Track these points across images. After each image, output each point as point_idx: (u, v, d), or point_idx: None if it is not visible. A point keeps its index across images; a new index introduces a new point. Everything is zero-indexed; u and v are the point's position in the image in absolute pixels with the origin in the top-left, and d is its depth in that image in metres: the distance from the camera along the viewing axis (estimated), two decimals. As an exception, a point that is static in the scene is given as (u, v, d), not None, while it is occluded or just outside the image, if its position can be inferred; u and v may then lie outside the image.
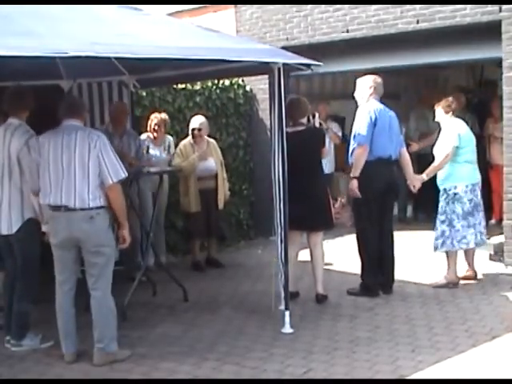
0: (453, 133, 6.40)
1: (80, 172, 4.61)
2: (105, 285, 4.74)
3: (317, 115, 8.20)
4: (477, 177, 6.57)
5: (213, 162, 7.52)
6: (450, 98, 6.62)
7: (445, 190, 6.45)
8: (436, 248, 6.53)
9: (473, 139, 6.59)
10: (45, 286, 4.97)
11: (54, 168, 4.68)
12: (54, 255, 4.79)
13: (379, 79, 6.36)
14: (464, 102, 9.30)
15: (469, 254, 6.64)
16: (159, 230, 7.47)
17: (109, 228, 4.78)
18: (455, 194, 6.40)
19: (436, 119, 6.70)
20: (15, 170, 5.00)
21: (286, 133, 5.40)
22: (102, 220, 4.69)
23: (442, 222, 6.45)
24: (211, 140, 7.71)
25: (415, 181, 6.45)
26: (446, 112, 6.53)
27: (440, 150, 6.47)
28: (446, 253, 6.53)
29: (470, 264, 6.69)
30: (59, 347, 4.87)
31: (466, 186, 6.42)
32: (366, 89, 6.30)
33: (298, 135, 5.95)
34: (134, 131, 7.22)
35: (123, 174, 4.71)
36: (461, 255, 6.60)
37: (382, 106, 6.25)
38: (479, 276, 6.68)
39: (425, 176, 6.48)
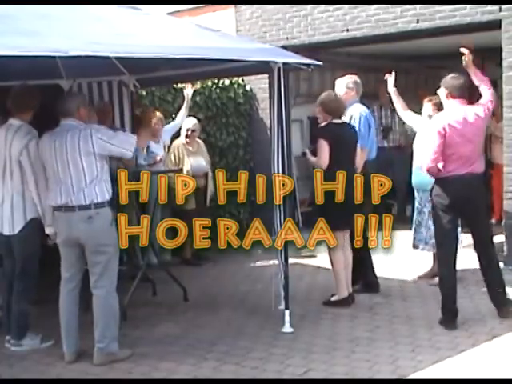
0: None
1: (74, 170, 4.62)
2: (108, 283, 4.73)
3: None
4: None
5: (203, 160, 7.78)
6: None
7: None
8: (417, 247, 6.59)
9: None
10: (45, 287, 4.97)
11: (50, 169, 4.73)
12: (60, 253, 4.81)
13: (358, 79, 6.38)
14: None
15: None
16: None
17: (111, 226, 4.76)
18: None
19: (423, 112, 6.60)
20: (16, 171, 4.99)
21: (331, 124, 5.74)
22: (103, 219, 4.68)
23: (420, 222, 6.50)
24: (200, 141, 8.00)
25: None
26: (434, 110, 6.44)
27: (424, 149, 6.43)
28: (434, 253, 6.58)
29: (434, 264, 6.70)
30: (59, 347, 4.86)
31: None
32: (344, 89, 6.27)
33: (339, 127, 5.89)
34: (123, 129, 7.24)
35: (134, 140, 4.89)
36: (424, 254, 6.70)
37: (365, 108, 6.29)
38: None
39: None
